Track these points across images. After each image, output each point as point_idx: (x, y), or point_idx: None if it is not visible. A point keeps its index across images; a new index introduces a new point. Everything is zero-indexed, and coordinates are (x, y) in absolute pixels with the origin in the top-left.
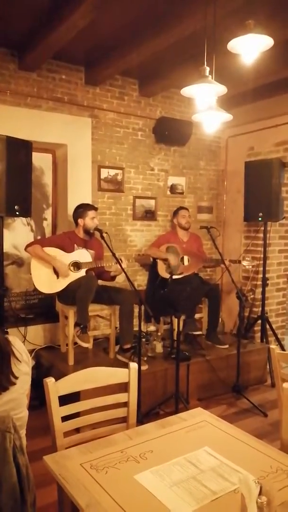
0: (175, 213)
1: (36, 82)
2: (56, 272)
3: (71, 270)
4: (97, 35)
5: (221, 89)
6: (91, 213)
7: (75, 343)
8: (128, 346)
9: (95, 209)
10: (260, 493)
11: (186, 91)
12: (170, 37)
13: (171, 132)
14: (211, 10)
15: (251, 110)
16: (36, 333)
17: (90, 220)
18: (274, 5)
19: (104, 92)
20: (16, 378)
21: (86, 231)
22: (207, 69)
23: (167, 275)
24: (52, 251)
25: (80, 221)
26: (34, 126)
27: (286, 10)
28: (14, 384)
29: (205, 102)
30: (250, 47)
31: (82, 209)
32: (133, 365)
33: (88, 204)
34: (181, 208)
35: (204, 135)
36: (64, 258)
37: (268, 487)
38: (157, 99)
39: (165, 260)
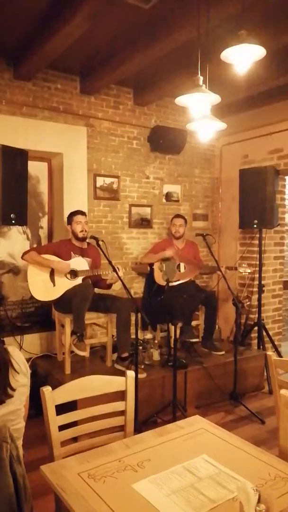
0: (171, 222)
1: (32, 91)
2: (52, 280)
3: (67, 278)
4: (92, 45)
5: (215, 98)
6: (76, 218)
7: (72, 352)
8: (126, 354)
9: (82, 213)
10: (258, 501)
11: (180, 100)
12: (164, 47)
13: (165, 141)
14: (204, 20)
15: (245, 119)
16: (33, 342)
17: (76, 224)
18: (266, 15)
19: (99, 101)
20: (14, 390)
21: (76, 237)
22: (201, 78)
23: (163, 282)
24: (49, 258)
25: (68, 227)
26: (30, 135)
27: (278, 20)
28: (11, 396)
29: (199, 111)
30: (243, 56)
31: (69, 216)
32: (130, 373)
33: (74, 210)
34: (175, 216)
35: (198, 144)
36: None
37: (266, 494)
38: (152, 108)
39: (162, 262)
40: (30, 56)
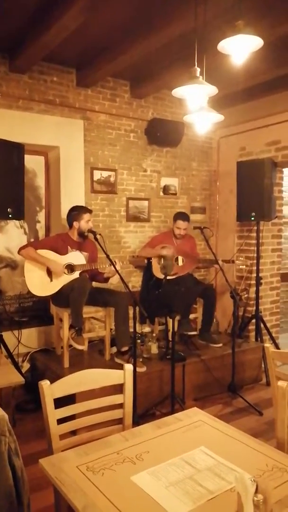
0: (174, 219)
1: (28, 84)
2: (49, 275)
3: (65, 273)
4: (88, 37)
5: (212, 90)
6: (86, 216)
7: (70, 346)
8: (125, 348)
9: (90, 212)
10: (256, 491)
11: (177, 92)
12: (161, 38)
13: (163, 133)
14: (201, 11)
15: (242, 110)
16: (31, 336)
17: (85, 223)
18: (263, 5)
19: (96, 94)
20: None
21: (81, 234)
22: (198, 70)
23: (161, 276)
24: (46, 254)
25: (75, 223)
26: (26, 128)
27: (275, 11)
28: None
29: (196, 103)
30: (240, 47)
31: (77, 212)
32: (128, 366)
33: (82, 207)
34: (181, 218)
35: (196, 136)
36: (58, 260)
37: (264, 485)
38: (149, 100)
39: (160, 257)
40: (25, 49)
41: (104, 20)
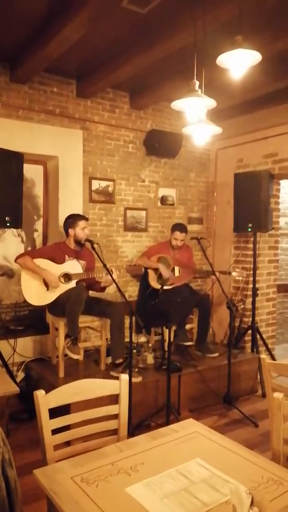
0: (171, 230)
1: (28, 94)
2: (46, 284)
3: (61, 282)
4: (89, 49)
5: (211, 103)
6: (81, 223)
7: (66, 355)
8: (120, 361)
9: (86, 219)
10: (251, 504)
11: (176, 104)
12: (161, 51)
13: (161, 145)
14: (200, 25)
15: (240, 123)
16: (26, 345)
17: (80, 230)
18: (262, 20)
19: (95, 105)
20: None
21: (77, 242)
22: (197, 83)
23: (157, 286)
24: (43, 263)
25: (70, 231)
26: (26, 138)
27: (274, 26)
28: None
29: (194, 115)
30: (239, 62)
31: (72, 219)
32: (124, 377)
33: (78, 215)
34: (179, 229)
35: (194, 148)
36: (54, 269)
37: (259, 497)
38: (148, 112)
39: (155, 270)
40: (26, 60)
41: (105, 32)
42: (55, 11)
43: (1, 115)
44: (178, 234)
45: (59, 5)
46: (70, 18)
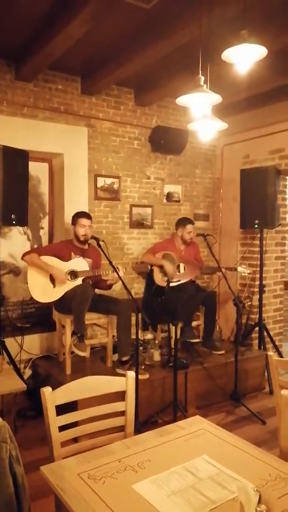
0: (181, 225)
1: (33, 92)
2: (52, 281)
3: (68, 279)
4: (93, 46)
5: (216, 98)
6: (80, 221)
7: (72, 352)
8: (126, 358)
9: (87, 216)
10: (259, 502)
11: (181, 100)
12: (166, 47)
13: (166, 141)
14: (205, 20)
15: (246, 119)
16: (33, 342)
17: (79, 227)
18: (268, 15)
19: (100, 102)
20: None
21: (77, 239)
22: (202, 78)
23: (163, 283)
24: (49, 260)
25: (72, 228)
26: (31, 135)
27: (279, 20)
28: None
29: (200, 111)
30: (244, 56)
31: (74, 217)
32: (131, 374)
33: (81, 212)
34: (188, 222)
35: (199, 144)
36: (61, 266)
37: (267, 495)
38: (153, 108)
39: (160, 267)
40: (31, 57)
41: (109, 29)
42: (58, 8)
43: (7, 113)
44: (190, 227)
45: (62, 2)
46: (73, 15)
